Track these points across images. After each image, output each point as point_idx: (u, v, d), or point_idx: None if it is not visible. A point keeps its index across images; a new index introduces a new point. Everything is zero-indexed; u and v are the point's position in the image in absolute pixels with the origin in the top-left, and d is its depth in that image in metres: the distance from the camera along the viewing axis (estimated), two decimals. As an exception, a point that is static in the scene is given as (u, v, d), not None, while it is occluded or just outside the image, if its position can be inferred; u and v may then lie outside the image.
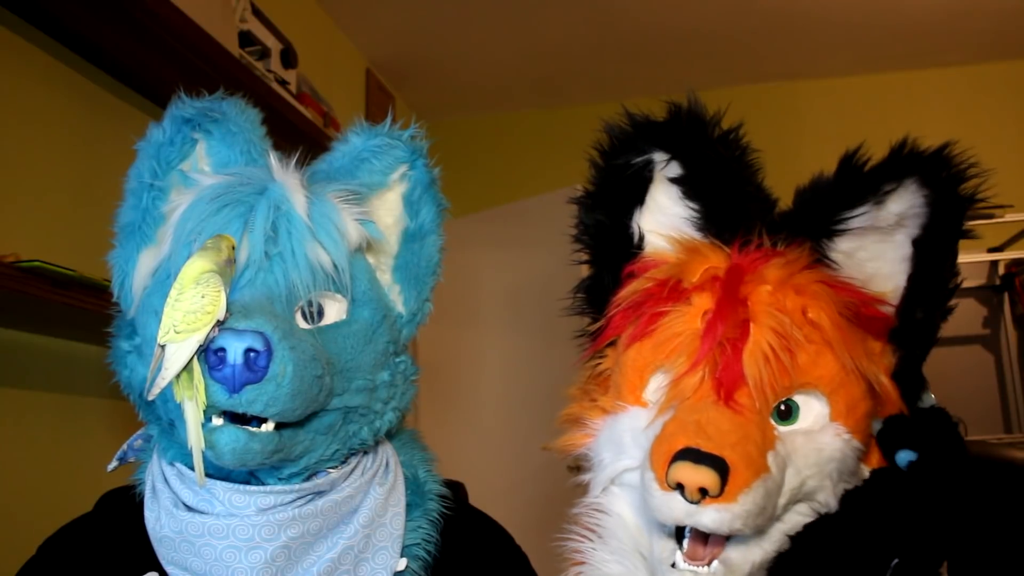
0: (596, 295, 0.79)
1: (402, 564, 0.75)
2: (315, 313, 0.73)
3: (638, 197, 0.76)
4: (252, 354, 0.62)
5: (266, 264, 0.71)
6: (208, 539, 0.68)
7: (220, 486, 0.70)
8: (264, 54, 2.02)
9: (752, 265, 0.68)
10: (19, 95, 1.47)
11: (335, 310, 0.74)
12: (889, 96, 3.31)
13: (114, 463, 0.81)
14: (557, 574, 0.78)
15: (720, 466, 0.58)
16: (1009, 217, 2.77)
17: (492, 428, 2.97)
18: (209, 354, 0.62)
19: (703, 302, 0.68)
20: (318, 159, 0.83)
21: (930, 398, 0.70)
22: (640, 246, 0.77)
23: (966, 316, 3.16)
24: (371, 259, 0.81)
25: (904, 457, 0.65)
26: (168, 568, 0.71)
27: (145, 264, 0.76)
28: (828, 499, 0.65)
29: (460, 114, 3.61)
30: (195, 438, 0.63)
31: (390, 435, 0.85)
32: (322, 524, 0.71)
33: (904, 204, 0.67)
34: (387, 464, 0.81)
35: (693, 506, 0.59)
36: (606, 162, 0.76)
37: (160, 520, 0.71)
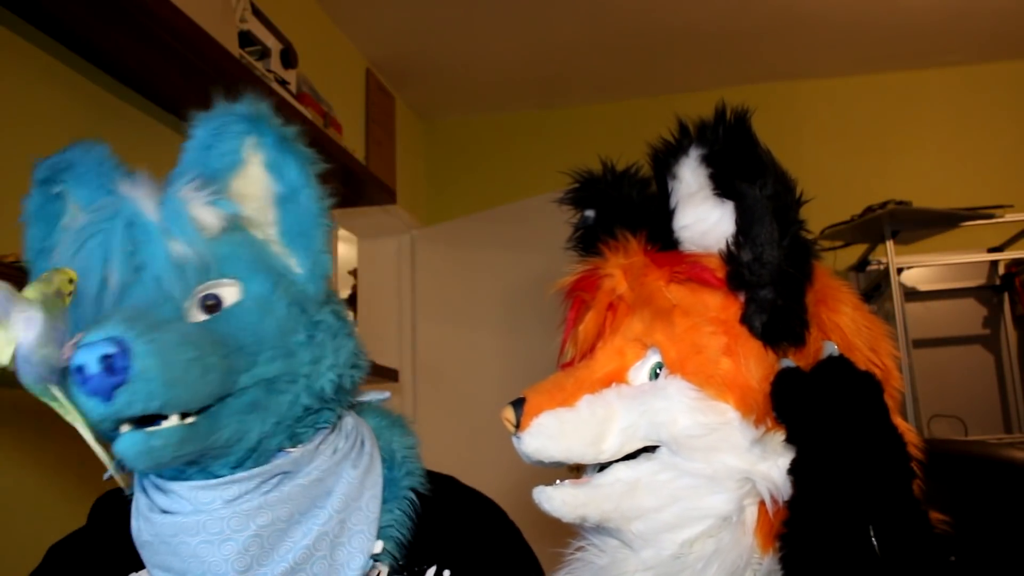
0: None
1: (378, 547, 0.76)
2: (214, 304, 0.73)
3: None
4: (108, 359, 0.62)
5: (138, 277, 0.72)
6: (182, 537, 0.69)
7: (184, 486, 0.71)
8: (264, 54, 2.02)
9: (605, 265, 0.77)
10: (19, 95, 1.47)
11: (231, 294, 0.74)
12: (889, 96, 3.31)
13: (109, 473, 0.81)
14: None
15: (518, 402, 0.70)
16: (1009, 217, 2.77)
17: (490, 428, 2.96)
18: (73, 375, 0.62)
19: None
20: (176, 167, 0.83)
21: (830, 347, 0.67)
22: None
23: (966, 316, 3.16)
24: (259, 234, 0.80)
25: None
26: (153, 571, 0.72)
27: None
28: (671, 438, 0.67)
29: (460, 114, 3.62)
30: (98, 451, 0.66)
31: (360, 412, 0.85)
32: (292, 510, 0.72)
33: (690, 167, 0.71)
34: (362, 444, 0.80)
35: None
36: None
37: (140, 527, 0.73)
